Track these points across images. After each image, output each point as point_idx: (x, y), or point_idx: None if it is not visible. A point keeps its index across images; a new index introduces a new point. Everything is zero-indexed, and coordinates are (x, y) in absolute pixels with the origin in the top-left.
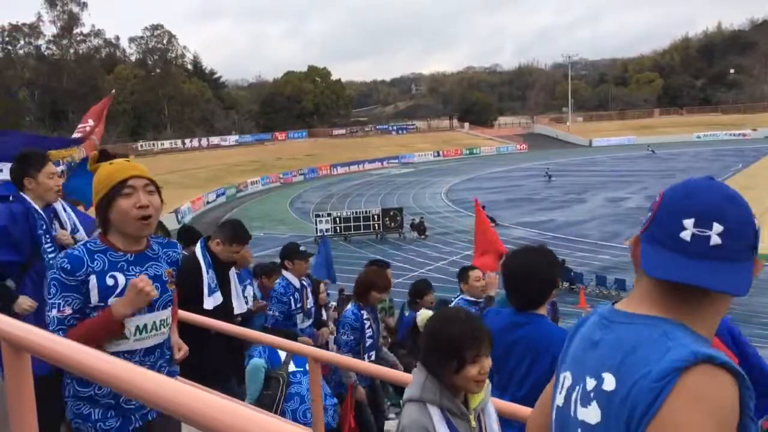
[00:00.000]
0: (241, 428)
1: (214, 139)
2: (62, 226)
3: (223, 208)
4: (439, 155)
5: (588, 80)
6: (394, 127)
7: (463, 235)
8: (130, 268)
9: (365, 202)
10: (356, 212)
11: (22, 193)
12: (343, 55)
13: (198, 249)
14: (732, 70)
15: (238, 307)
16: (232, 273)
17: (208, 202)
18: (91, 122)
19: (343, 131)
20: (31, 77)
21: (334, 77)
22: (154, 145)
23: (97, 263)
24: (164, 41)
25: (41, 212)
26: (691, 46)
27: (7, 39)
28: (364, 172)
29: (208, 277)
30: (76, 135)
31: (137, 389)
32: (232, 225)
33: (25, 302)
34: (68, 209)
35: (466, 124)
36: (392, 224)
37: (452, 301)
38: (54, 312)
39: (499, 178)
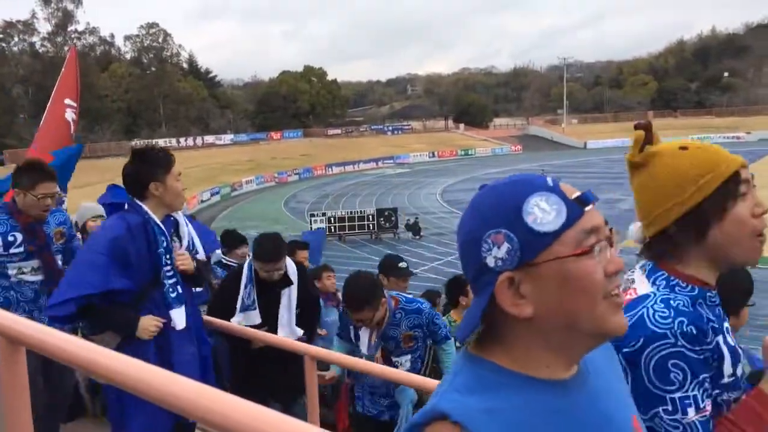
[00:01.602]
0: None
1: (209, 138)
2: (180, 243)
3: (218, 207)
4: (434, 156)
5: (583, 82)
6: (390, 128)
7: None
8: None
9: (360, 202)
10: (351, 212)
11: (138, 201)
12: (339, 56)
13: (245, 263)
14: (726, 74)
15: (287, 335)
16: (288, 294)
17: (202, 201)
18: (71, 102)
19: (338, 131)
20: (26, 74)
21: (329, 77)
22: (148, 143)
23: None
24: (159, 40)
25: (161, 225)
26: (686, 50)
27: (1, 36)
28: (359, 173)
29: (244, 292)
30: (72, 125)
31: (142, 384)
32: (260, 241)
33: (149, 323)
34: (188, 221)
35: (462, 125)
36: (387, 224)
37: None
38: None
39: (494, 179)
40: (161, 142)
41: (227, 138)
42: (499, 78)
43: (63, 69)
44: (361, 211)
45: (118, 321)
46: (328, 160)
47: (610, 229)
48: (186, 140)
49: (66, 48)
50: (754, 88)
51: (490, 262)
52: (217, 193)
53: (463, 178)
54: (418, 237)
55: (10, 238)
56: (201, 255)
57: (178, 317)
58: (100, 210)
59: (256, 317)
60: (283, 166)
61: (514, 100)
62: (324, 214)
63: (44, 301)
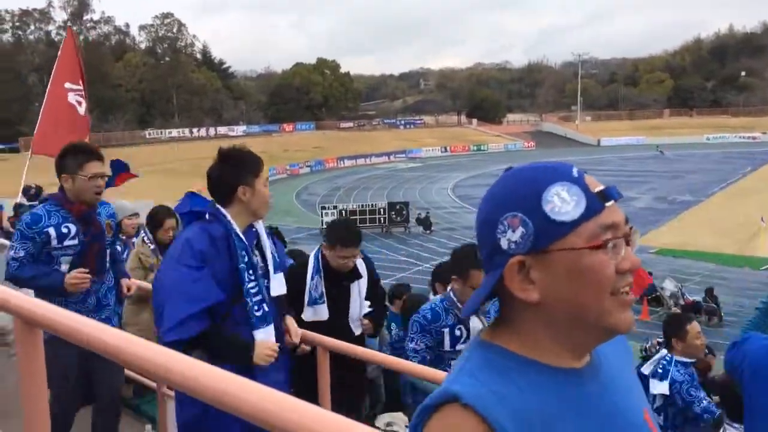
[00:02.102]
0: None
1: (222, 129)
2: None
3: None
4: (446, 151)
5: (598, 79)
6: (402, 122)
7: (469, 231)
8: None
9: (371, 196)
10: (362, 205)
11: (220, 208)
12: (352, 49)
13: (312, 253)
14: (743, 73)
15: (357, 328)
16: (357, 288)
17: None
18: (73, 85)
19: (350, 124)
20: (41, 63)
21: (342, 70)
22: (162, 133)
23: None
24: (174, 30)
25: (243, 238)
26: (702, 48)
27: (17, 24)
28: (370, 166)
29: (311, 284)
30: (79, 108)
31: (166, 371)
32: (335, 225)
33: (266, 347)
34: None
35: (474, 121)
36: (398, 218)
37: None
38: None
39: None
40: (174, 133)
41: (240, 129)
42: (513, 73)
43: (59, 52)
44: (372, 204)
45: (236, 345)
46: (340, 153)
47: (630, 228)
48: (199, 131)
49: (81, 37)
50: None
51: (504, 243)
52: None
53: (475, 173)
54: (428, 231)
55: (64, 230)
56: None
57: (265, 339)
58: (133, 208)
59: (324, 312)
60: (295, 158)
61: (527, 96)
62: (335, 207)
63: (92, 303)
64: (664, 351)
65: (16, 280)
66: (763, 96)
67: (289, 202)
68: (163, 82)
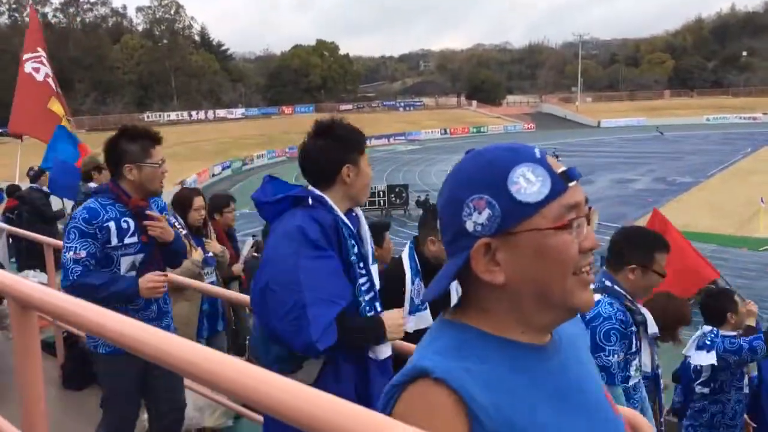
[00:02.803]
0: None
1: (221, 112)
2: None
3: (229, 181)
4: (446, 133)
5: (599, 60)
6: (402, 104)
7: None
8: None
9: (371, 178)
10: None
11: (319, 192)
12: (351, 30)
13: (405, 251)
14: (745, 53)
15: None
16: (455, 289)
17: (213, 175)
18: (40, 52)
19: (350, 107)
20: None
21: (342, 52)
22: (160, 116)
23: None
24: (172, 11)
25: (350, 225)
26: (704, 27)
27: (14, 6)
28: (370, 148)
29: (412, 289)
30: (36, 75)
31: (162, 353)
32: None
33: (395, 318)
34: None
35: (474, 102)
36: (398, 201)
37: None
38: None
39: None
40: (173, 116)
41: (239, 112)
42: (513, 54)
43: (25, 35)
44: (371, 187)
45: (369, 329)
46: None
47: (589, 208)
48: (197, 114)
49: (78, 19)
50: None
51: (470, 226)
52: (229, 167)
53: None
54: None
55: (124, 225)
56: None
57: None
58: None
59: (428, 318)
60: (295, 140)
61: (528, 78)
62: None
63: (155, 311)
64: (706, 327)
65: (81, 288)
66: (764, 76)
67: None
68: (161, 65)
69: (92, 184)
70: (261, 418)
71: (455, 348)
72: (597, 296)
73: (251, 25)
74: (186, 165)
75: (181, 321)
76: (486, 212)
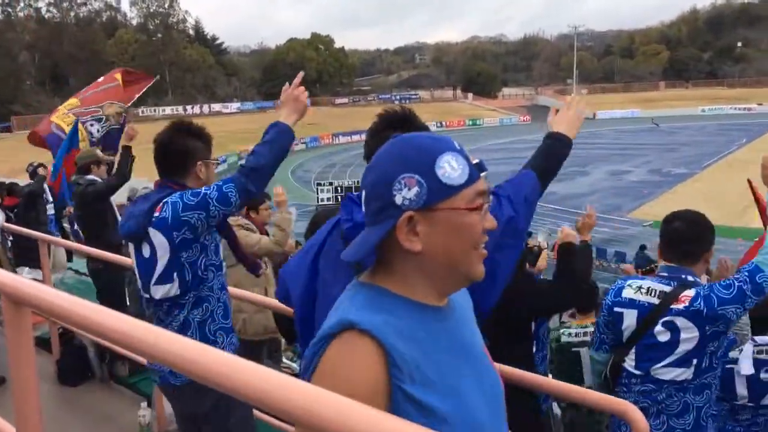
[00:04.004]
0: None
1: (216, 106)
2: None
3: (225, 175)
4: (441, 126)
5: (594, 52)
6: (397, 97)
7: None
8: None
9: None
10: (358, 182)
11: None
12: (346, 23)
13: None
14: (739, 44)
15: None
16: None
17: None
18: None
19: (345, 100)
20: (31, 40)
21: (337, 45)
22: (155, 111)
23: None
24: (165, 5)
25: None
26: (699, 19)
27: (7, 1)
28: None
29: None
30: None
31: (155, 349)
32: None
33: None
34: None
35: (470, 95)
36: None
37: None
38: None
39: (501, 150)
40: (168, 110)
41: (234, 106)
42: (508, 47)
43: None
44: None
45: None
46: (335, 129)
47: (489, 197)
48: (192, 108)
49: (72, 14)
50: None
51: (398, 200)
52: (224, 161)
53: (470, 148)
54: None
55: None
56: None
57: None
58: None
59: None
60: None
61: (523, 70)
62: (331, 184)
63: (180, 321)
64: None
65: (258, 170)
66: (759, 67)
67: (285, 179)
68: (156, 59)
69: (91, 177)
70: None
71: (372, 305)
72: (690, 292)
73: (246, 19)
74: None
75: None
76: (415, 189)
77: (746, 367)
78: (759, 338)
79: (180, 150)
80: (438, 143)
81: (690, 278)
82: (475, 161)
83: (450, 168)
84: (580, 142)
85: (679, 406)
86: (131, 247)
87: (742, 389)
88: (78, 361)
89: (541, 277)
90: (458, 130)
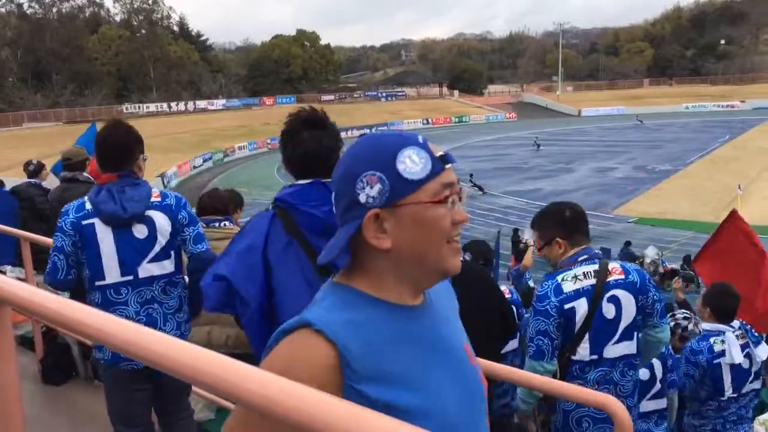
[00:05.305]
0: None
1: (201, 103)
2: None
3: (210, 173)
4: (428, 123)
5: (579, 49)
6: (383, 94)
7: None
8: None
9: None
10: None
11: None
12: (332, 20)
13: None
14: (723, 41)
15: None
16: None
17: (194, 167)
18: None
19: (331, 97)
20: (13, 36)
21: (322, 42)
22: (139, 108)
23: None
24: (150, 1)
25: None
26: (682, 17)
27: None
28: (352, 139)
29: None
30: None
31: (136, 347)
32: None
33: None
34: None
35: (456, 92)
36: None
37: None
38: None
39: (487, 147)
40: (152, 107)
41: (219, 103)
42: (494, 44)
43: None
44: None
45: None
46: None
47: (460, 188)
48: (177, 105)
49: (54, 10)
50: (751, 56)
51: (362, 198)
52: (210, 158)
53: (457, 145)
54: None
55: None
56: None
57: None
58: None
59: None
60: (276, 131)
61: (509, 67)
62: None
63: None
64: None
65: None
66: (741, 64)
67: (271, 176)
68: (140, 56)
69: (86, 174)
70: None
71: (339, 305)
72: (614, 264)
73: (231, 15)
74: (166, 157)
75: None
76: (377, 186)
77: (737, 355)
78: (735, 323)
79: (126, 145)
80: (399, 139)
81: (598, 251)
82: (439, 153)
83: (411, 162)
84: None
85: (631, 386)
86: (106, 233)
87: (728, 381)
88: (62, 359)
89: (528, 277)
90: (445, 127)
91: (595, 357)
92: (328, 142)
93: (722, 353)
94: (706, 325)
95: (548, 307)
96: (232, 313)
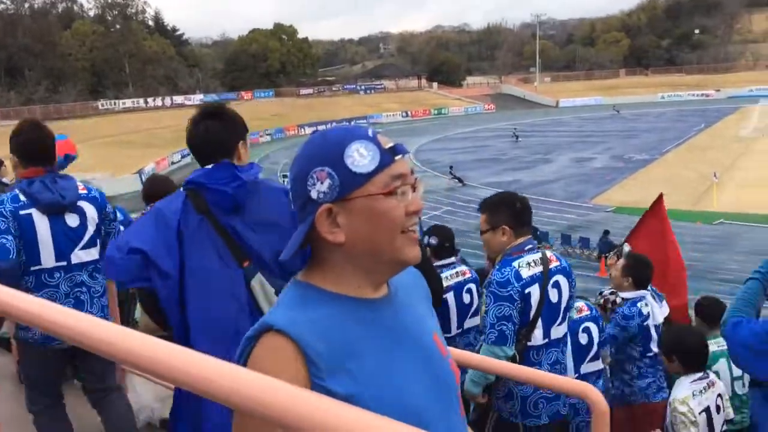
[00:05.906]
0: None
1: (178, 98)
2: None
3: (189, 169)
4: (407, 115)
5: (556, 40)
6: (362, 87)
7: (431, 196)
8: None
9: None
10: None
11: None
12: (310, 13)
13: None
14: (697, 31)
15: None
16: None
17: (172, 163)
18: None
19: (310, 91)
20: None
21: (300, 35)
22: (115, 104)
23: None
24: None
25: None
26: (657, 7)
27: None
28: None
29: None
30: None
31: (113, 347)
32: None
33: None
34: None
35: (435, 84)
36: None
37: None
38: None
39: (467, 138)
40: (128, 103)
41: (197, 98)
42: (472, 36)
43: None
44: None
45: None
46: (300, 120)
47: (416, 178)
48: (154, 100)
49: (26, 5)
50: (725, 45)
51: (314, 194)
52: (188, 154)
53: (436, 137)
54: None
55: None
56: None
57: None
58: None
59: None
60: (255, 126)
61: (487, 59)
62: None
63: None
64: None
65: None
66: (715, 54)
67: None
68: (115, 51)
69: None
70: None
71: (300, 303)
72: (551, 252)
73: (207, 9)
74: (144, 153)
75: None
76: (327, 182)
77: (659, 315)
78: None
79: (52, 143)
80: (347, 133)
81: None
82: (389, 145)
83: (359, 156)
84: (543, 129)
85: (567, 361)
86: (42, 221)
87: (655, 339)
88: None
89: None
90: (424, 119)
91: (546, 340)
92: (224, 130)
93: (648, 315)
94: (626, 294)
95: (512, 292)
96: (146, 287)
